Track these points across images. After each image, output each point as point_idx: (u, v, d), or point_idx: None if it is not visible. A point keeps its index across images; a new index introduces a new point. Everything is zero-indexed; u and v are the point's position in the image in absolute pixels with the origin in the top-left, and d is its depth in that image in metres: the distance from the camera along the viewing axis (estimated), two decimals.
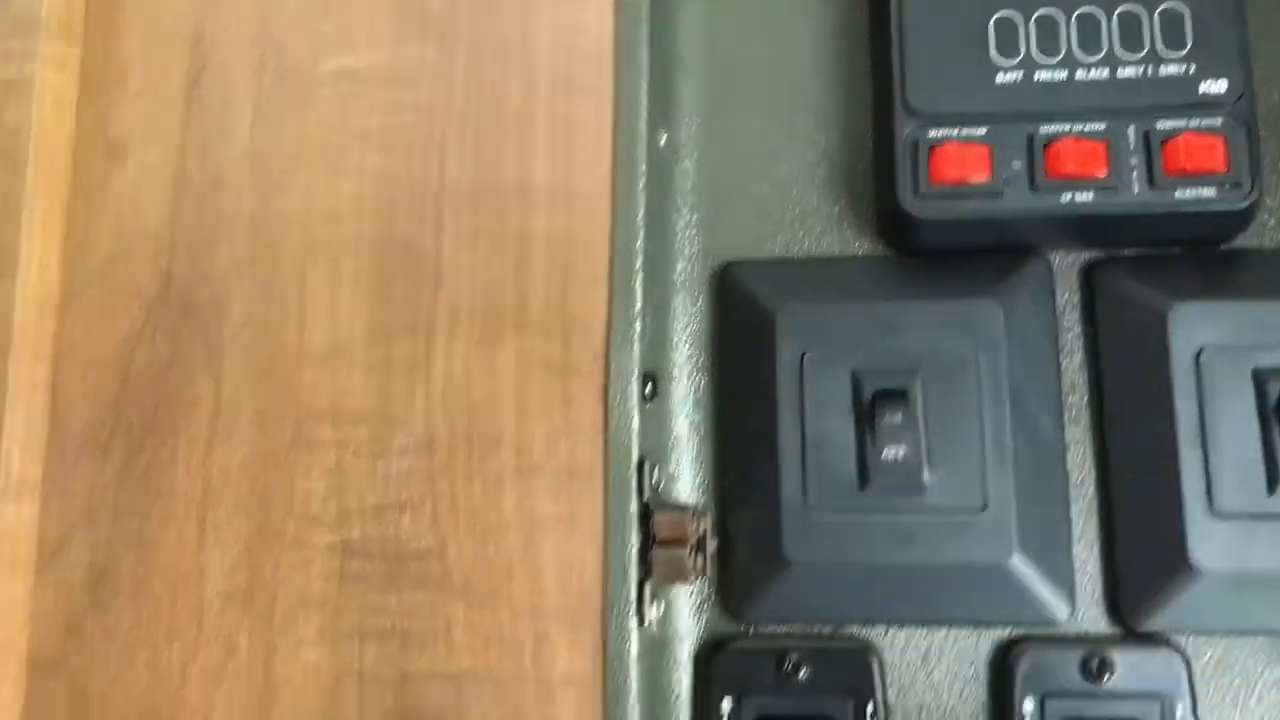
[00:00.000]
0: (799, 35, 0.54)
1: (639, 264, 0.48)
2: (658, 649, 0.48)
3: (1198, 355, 0.47)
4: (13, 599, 0.48)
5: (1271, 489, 0.46)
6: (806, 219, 0.52)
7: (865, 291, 0.50)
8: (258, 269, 0.50)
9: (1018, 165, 0.48)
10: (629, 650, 0.45)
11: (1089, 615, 0.48)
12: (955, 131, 0.48)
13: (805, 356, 0.49)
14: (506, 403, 0.47)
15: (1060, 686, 0.47)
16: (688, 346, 0.52)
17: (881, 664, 0.48)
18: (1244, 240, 0.49)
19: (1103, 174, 0.47)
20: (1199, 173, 0.46)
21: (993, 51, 0.49)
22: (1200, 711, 0.46)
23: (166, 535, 0.48)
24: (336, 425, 0.48)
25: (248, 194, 0.51)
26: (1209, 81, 0.47)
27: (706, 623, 0.50)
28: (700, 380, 0.52)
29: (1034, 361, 0.49)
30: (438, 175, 0.50)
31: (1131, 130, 0.47)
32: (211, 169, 0.51)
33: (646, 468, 0.47)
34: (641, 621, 0.45)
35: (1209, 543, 0.46)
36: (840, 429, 0.49)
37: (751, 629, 0.49)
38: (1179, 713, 0.46)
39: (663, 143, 0.51)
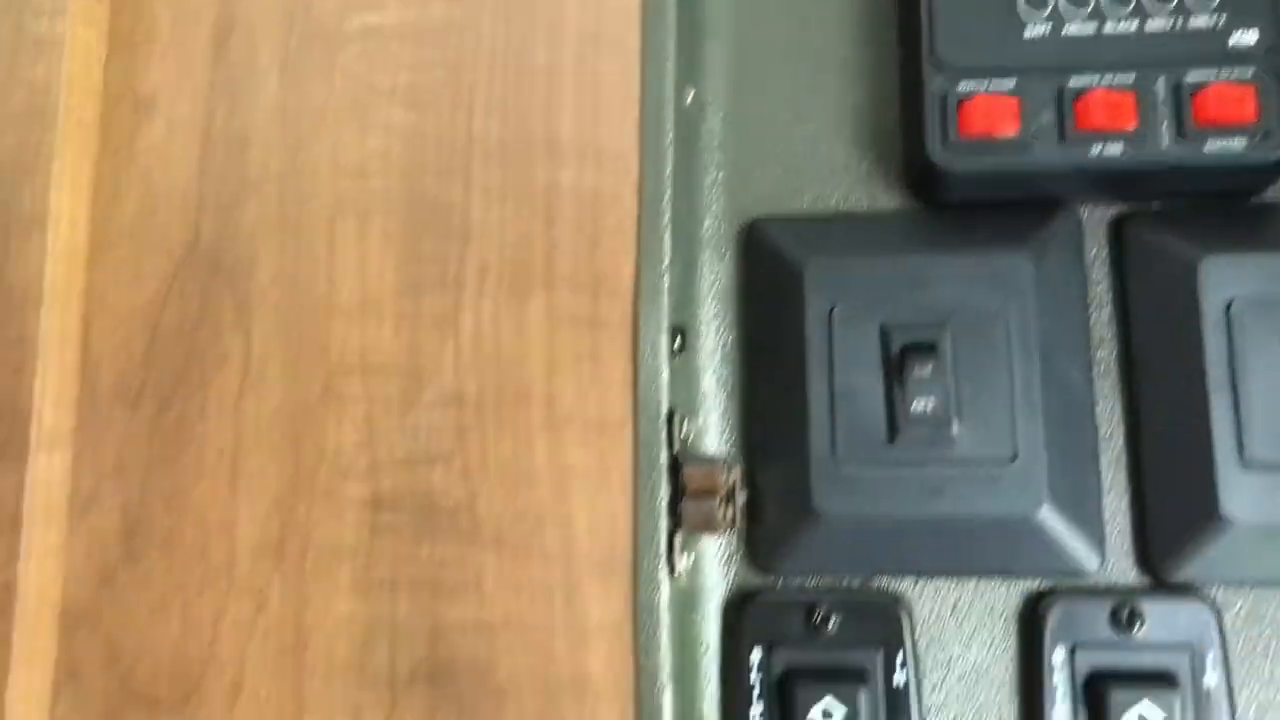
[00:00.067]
0: None
1: (667, 218, 0.48)
2: (688, 601, 0.48)
3: (1228, 307, 0.47)
4: (46, 550, 0.48)
5: None
6: (834, 174, 0.52)
7: (894, 245, 0.50)
8: (286, 225, 0.50)
9: (1047, 118, 0.48)
10: (660, 600, 0.45)
11: (1119, 566, 0.48)
12: (984, 84, 0.48)
13: (834, 311, 0.49)
14: (536, 357, 0.47)
15: (1090, 637, 0.47)
16: (714, 303, 0.52)
17: (911, 616, 0.48)
18: (1275, 193, 0.49)
19: (1132, 126, 0.47)
20: (1229, 124, 0.46)
21: (1021, 4, 0.49)
22: (1230, 662, 0.46)
23: (198, 487, 0.48)
24: (366, 379, 0.48)
25: (275, 150, 0.51)
26: (1239, 32, 0.47)
27: (735, 576, 0.50)
28: (727, 337, 0.52)
29: (1063, 314, 0.49)
30: (465, 131, 0.50)
31: (1161, 82, 0.47)
32: (239, 126, 0.51)
33: (676, 420, 0.47)
34: (672, 572, 0.45)
35: (1239, 493, 0.46)
36: (869, 382, 0.49)
37: (780, 581, 0.49)
38: (1209, 663, 0.46)
39: (690, 99, 0.51)
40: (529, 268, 0.48)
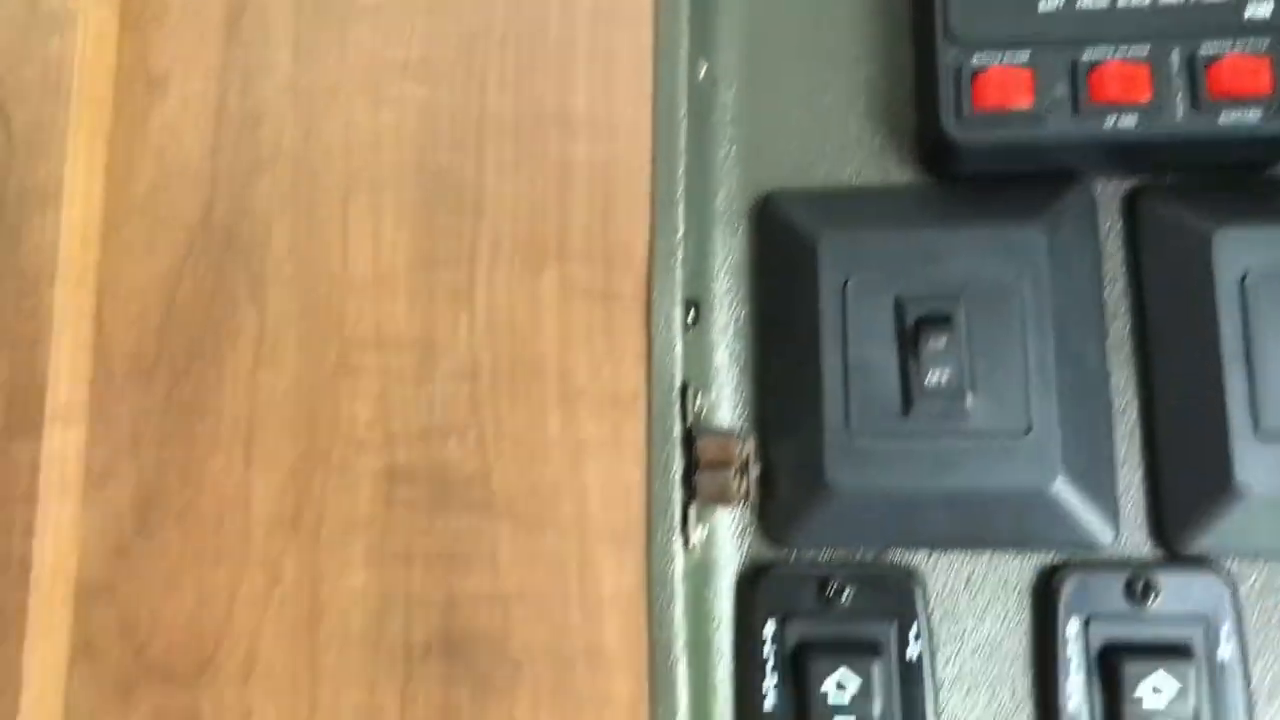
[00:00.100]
0: None
1: (680, 191, 0.48)
2: (702, 573, 0.48)
3: (1242, 279, 0.47)
4: (61, 524, 0.48)
5: None
6: (848, 148, 0.52)
7: (908, 219, 0.50)
8: (299, 200, 0.50)
9: (1061, 90, 0.47)
10: (674, 571, 0.45)
11: (1133, 539, 0.48)
12: (998, 57, 0.48)
13: (848, 284, 0.49)
14: (549, 329, 0.47)
15: (1104, 609, 0.47)
16: (728, 277, 0.52)
17: (925, 589, 0.48)
18: None
19: (1146, 98, 0.47)
20: (1244, 96, 0.46)
21: None
22: (1245, 634, 0.46)
23: (213, 460, 0.48)
24: (381, 352, 0.48)
25: (289, 126, 0.51)
26: (1255, 4, 0.47)
27: (748, 549, 0.50)
28: (740, 311, 0.52)
29: (1077, 287, 0.49)
30: (478, 104, 0.50)
31: (1175, 54, 0.47)
32: (252, 101, 0.51)
33: (690, 393, 0.47)
34: (686, 544, 0.45)
35: (1254, 465, 0.46)
36: (883, 355, 0.49)
37: (794, 554, 0.50)
38: (1223, 635, 0.46)
39: (703, 73, 0.51)
40: (543, 241, 0.48)
